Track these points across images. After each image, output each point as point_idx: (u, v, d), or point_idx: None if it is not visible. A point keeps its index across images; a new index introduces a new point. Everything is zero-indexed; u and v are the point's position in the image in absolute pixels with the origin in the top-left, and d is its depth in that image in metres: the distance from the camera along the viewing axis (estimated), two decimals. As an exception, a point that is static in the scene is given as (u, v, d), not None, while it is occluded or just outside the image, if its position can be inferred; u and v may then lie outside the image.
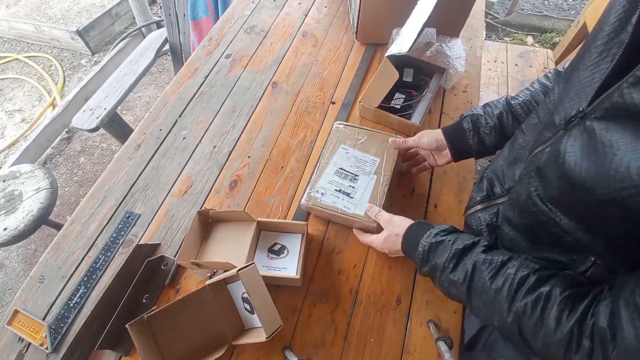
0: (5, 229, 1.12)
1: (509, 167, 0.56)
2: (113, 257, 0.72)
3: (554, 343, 0.39)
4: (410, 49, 0.74)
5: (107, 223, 0.76)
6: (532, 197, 0.45)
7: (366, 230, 0.70)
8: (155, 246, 0.72)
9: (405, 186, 0.80)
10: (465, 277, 0.48)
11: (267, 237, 0.71)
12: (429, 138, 0.71)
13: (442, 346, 0.59)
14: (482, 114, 0.68)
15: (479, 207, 0.61)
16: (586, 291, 0.40)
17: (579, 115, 0.39)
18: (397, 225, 0.62)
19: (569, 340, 0.37)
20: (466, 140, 0.68)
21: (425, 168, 0.78)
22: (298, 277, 0.63)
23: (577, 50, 1.47)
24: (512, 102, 0.66)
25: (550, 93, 0.53)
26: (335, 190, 0.71)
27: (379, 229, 0.66)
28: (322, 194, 0.70)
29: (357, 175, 0.72)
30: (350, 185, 0.71)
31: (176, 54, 1.54)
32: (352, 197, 0.70)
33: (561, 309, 0.39)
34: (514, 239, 0.52)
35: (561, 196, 0.40)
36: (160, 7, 2.16)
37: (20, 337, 0.65)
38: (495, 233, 0.58)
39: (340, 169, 0.73)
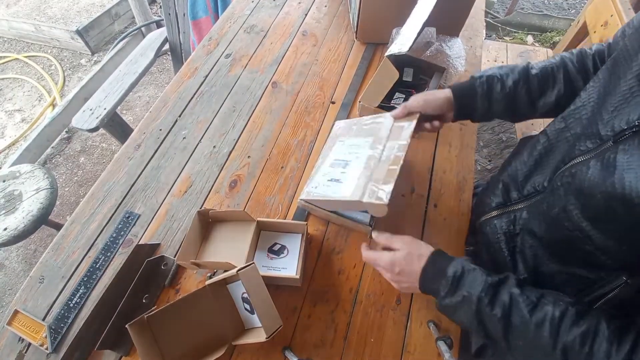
0: (5, 229, 1.12)
1: (528, 172, 0.54)
2: (113, 257, 0.72)
3: None
4: (410, 48, 0.74)
5: (107, 223, 0.76)
6: (567, 211, 0.42)
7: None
8: (155, 246, 0.72)
9: (405, 186, 0.80)
10: (503, 311, 0.44)
11: (267, 237, 0.71)
12: (436, 104, 0.62)
13: (442, 346, 0.59)
14: (498, 76, 0.61)
15: (494, 213, 0.59)
16: (629, 324, 0.39)
17: (634, 129, 0.37)
18: (422, 246, 0.54)
19: None
20: (475, 103, 0.62)
21: (426, 129, 0.68)
22: (298, 277, 0.63)
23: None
24: (531, 71, 0.60)
25: (580, 97, 0.50)
26: (327, 180, 0.66)
27: (376, 245, 0.60)
28: (315, 187, 0.67)
29: (350, 161, 0.66)
30: (341, 172, 0.65)
31: (176, 53, 1.54)
32: (340, 182, 0.63)
33: (610, 342, 0.37)
34: (536, 251, 0.50)
35: (609, 214, 0.38)
36: (160, 7, 2.16)
37: (20, 337, 0.65)
38: (514, 242, 0.55)
39: (335, 160, 0.69)
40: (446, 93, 0.63)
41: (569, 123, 0.50)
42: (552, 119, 0.56)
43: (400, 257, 0.53)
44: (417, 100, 0.62)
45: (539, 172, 0.52)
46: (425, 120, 0.65)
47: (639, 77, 0.39)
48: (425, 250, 0.53)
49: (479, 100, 0.61)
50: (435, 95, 0.63)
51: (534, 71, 0.60)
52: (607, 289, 0.42)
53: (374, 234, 0.59)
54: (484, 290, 0.45)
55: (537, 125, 1.38)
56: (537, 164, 0.53)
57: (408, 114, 0.63)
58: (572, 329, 0.40)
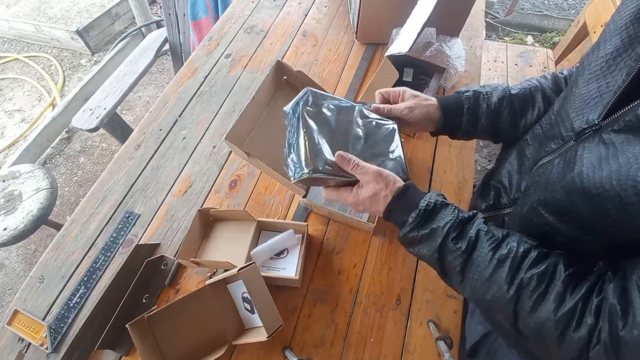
0: (5, 229, 1.12)
1: (517, 178, 0.56)
2: (113, 257, 0.72)
3: (552, 320, 0.38)
4: (410, 48, 0.74)
5: (107, 223, 0.76)
6: (534, 208, 0.45)
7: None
8: (155, 246, 0.72)
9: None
10: (467, 246, 0.44)
11: (267, 237, 0.71)
12: (422, 114, 0.60)
13: (442, 346, 0.59)
14: (484, 93, 0.62)
15: (484, 215, 0.60)
16: (588, 269, 0.40)
17: (593, 128, 0.40)
18: (390, 183, 0.51)
19: (570, 317, 0.37)
20: (460, 118, 0.62)
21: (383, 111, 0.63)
22: (297, 278, 0.63)
23: (577, 50, 1.46)
24: (512, 91, 0.62)
25: (552, 104, 0.53)
26: None
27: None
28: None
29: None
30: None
31: (176, 53, 1.54)
32: None
33: (566, 285, 0.38)
34: None
35: (570, 207, 0.39)
36: (160, 7, 2.16)
37: (20, 337, 0.65)
38: None
39: None
40: (433, 104, 0.61)
41: (543, 127, 0.54)
42: (533, 127, 0.58)
43: (364, 197, 0.51)
44: (403, 105, 0.61)
45: (523, 176, 0.55)
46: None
47: (598, 81, 0.42)
48: (391, 187, 0.50)
49: (465, 114, 0.61)
50: (421, 105, 0.61)
51: (513, 91, 0.62)
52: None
53: (337, 156, 0.51)
54: (453, 226, 0.46)
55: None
56: (526, 170, 0.55)
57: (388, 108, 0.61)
58: (532, 268, 0.40)
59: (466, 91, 0.62)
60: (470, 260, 0.44)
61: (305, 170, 0.49)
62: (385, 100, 0.63)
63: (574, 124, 0.44)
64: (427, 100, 0.61)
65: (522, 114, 0.61)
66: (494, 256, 0.43)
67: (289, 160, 0.54)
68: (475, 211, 0.49)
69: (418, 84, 0.90)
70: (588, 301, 0.36)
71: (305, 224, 0.68)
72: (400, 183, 0.51)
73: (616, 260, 0.39)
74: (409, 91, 0.62)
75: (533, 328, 0.40)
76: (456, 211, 0.47)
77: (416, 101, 0.61)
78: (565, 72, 0.63)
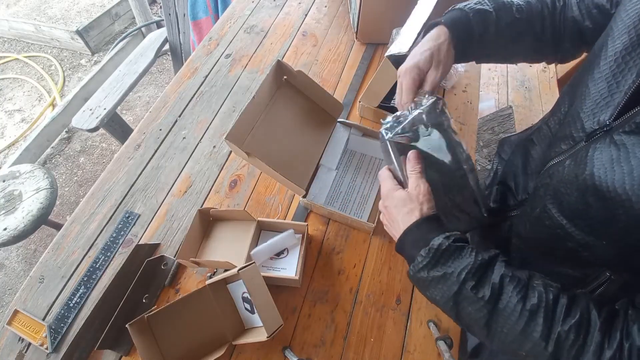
0: (5, 229, 1.12)
1: (523, 179, 0.55)
2: (113, 257, 0.72)
3: None
4: (410, 48, 0.74)
5: (107, 223, 0.76)
6: (547, 210, 0.44)
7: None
8: (155, 246, 0.72)
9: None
10: (492, 295, 0.40)
11: (267, 237, 0.71)
12: (440, 61, 0.54)
13: (442, 346, 0.59)
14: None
15: (504, 259, 0.59)
16: (615, 311, 0.38)
17: (605, 128, 0.39)
18: (424, 204, 0.48)
19: None
20: (470, 28, 0.55)
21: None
22: (297, 278, 0.63)
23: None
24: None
25: (558, 104, 0.52)
26: None
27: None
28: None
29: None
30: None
31: (176, 53, 1.54)
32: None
33: (603, 334, 0.36)
34: (522, 252, 0.51)
35: (585, 209, 0.39)
36: (160, 7, 2.16)
37: (20, 337, 0.65)
38: (505, 245, 0.56)
39: None
40: (441, 38, 0.55)
41: (551, 127, 0.53)
42: (539, 127, 0.57)
43: (396, 196, 0.49)
44: (432, 77, 0.55)
45: (532, 178, 0.54)
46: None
47: (608, 81, 0.41)
48: (419, 211, 0.47)
49: (472, 20, 0.55)
50: (420, 54, 0.55)
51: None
52: (593, 286, 0.42)
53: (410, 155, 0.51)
54: (471, 272, 0.41)
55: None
56: (533, 171, 0.54)
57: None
58: (566, 319, 0.37)
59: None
60: (496, 311, 0.40)
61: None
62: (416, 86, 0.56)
63: (584, 124, 0.43)
64: (435, 42, 0.55)
65: (537, 129, 0.57)
66: (525, 307, 0.38)
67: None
68: (496, 251, 0.44)
69: (418, 84, 0.90)
70: (622, 348, 0.35)
71: (305, 224, 0.68)
72: (429, 212, 0.48)
73: (630, 270, 0.38)
74: (420, 63, 0.55)
75: None
76: (474, 254, 0.42)
77: (410, 64, 0.55)
78: None
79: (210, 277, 0.64)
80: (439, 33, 0.55)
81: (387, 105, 0.86)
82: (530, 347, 0.38)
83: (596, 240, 0.39)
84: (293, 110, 0.74)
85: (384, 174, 0.54)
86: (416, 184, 0.49)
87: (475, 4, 0.56)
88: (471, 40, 0.56)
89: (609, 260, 0.39)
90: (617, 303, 0.39)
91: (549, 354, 0.37)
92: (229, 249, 0.70)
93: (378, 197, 0.73)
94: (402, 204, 0.49)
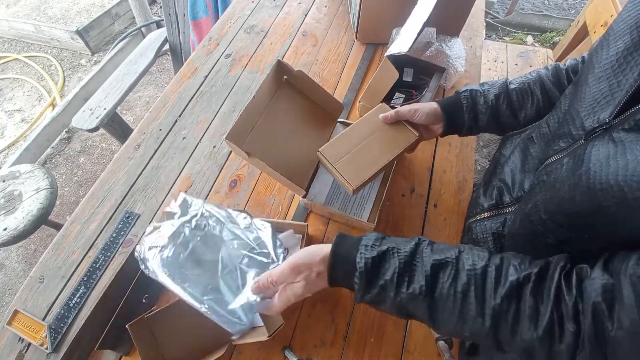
0: (5, 229, 1.12)
1: (520, 176, 0.56)
2: (113, 257, 0.72)
3: (535, 339, 0.36)
4: (410, 48, 0.74)
5: (107, 223, 0.76)
6: (537, 206, 0.44)
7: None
8: (155, 246, 0.72)
9: (405, 186, 0.80)
10: (426, 285, 0.40)
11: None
12: (426, 113, 0.64)
13: (442, 346, 0.59)
14: (480, 91, 0.65)
15: (486, 214, 0.60)
16: (544, 269, 0.38)
17: (604, 126, 0.40)
18: (315, 257, 0.46)
19: (551, 330, 0.35)
20: (461, 116, 0.65)
21: (423, 138, 0.69)
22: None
23: (577, 50, 1.46)
24: (510, 86, 0.64)
25: (560, 101, 0.53)
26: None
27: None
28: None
29: None
30: None
31: (176, 53, 1.54)
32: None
33: (534, 295, 0.36)
34: (516, 249, 0.51)
35: (571, 204, 0.39)
36: (160, 7, 2.16)
37: (20, 337, 0.65)
38: (501, 242, 0.56)
39: None
40: (434, 105, 0.66)
41: (550, 126, 0.53)
42: (539, 125, 0.58)
43: (298, 292, 0.46)
44: (408, 107, 0.66)
45: (529, 176, 0.54)
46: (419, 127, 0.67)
47: (609, 80, 0.41)
48: (316, 266, 0.45)
49: (465, 113, 0.65)
50: (423, 106, 0.65)
51: (512, 86, 0.64)
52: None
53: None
54: (400, 272, 0.41)
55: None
56: (531, 169, 0.55)
57: (398, 120, 0.67)
58: (496, 291, 0.38)
59: (464, 91, 0.66)
60: (433, 301, 0.40)
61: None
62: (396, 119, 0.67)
63: (584, 122, 0.43)
64: (428, 103, 0.66)
65: (520, 106, 0.63)
66: (457, 290, 0.39)
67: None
68: (416, 238, 0.44)
69: (418, 84, 0.90)
70: (560, 306, 0.35)
71: (305, 224, 0.68)
72: (325, 252, 0.46)
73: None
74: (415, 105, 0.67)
75: (521, 348, 0.38)
76: (396, 254, 0.42)
77: (419, 105, 0.65)
78: (568, 64, 0.63)
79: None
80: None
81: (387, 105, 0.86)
82: (471, 325, 0.39)
83: (578, 235, 0.39)
84: (293, 110, 0.74)
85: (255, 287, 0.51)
86: (279, 273, 0.48)
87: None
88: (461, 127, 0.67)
89: (591, 254, 0.39)
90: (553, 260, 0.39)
91: (487, 328, 0.38)
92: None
93: (378, 197, 0.73)
94: (314, 278, 0.46)
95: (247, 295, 0.51)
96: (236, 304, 0.51)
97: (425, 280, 0.40)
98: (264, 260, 0.54)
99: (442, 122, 0.65)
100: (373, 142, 0.65)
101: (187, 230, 0.56)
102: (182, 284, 0.51)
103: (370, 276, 0.42)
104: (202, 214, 0.58)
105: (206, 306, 0.50)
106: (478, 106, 0.65)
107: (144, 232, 0.58)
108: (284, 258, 0.54)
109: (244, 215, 0.59)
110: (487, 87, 0.66)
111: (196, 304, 0.51)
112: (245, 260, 0.55)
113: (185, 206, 0.59)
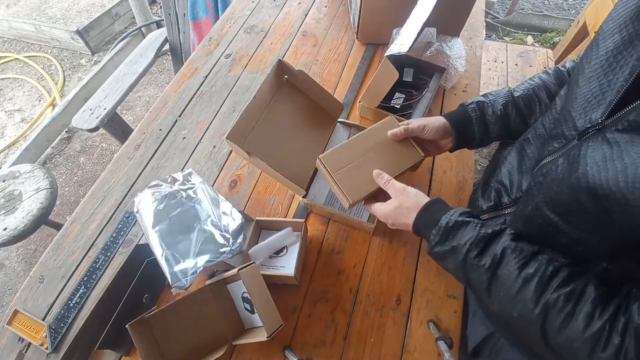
0: (5, 229, 1.12)
1: (518, 177, 0.56)
2: (113, 257, 0.72)
3: (581, 340, 0.37)
4: (410, 48, 0.74)
5: (107, 223, 0.76)
6: (539, 208, 0.44)
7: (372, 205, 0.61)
8: (155, 246, 0.72)
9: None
10: (492, 263, 0.45)
11: (267, 236, 0.71)
12: (436, 128, 0.64)
13: (442, 346, 0.59)
14: (487, 102, 0.64)
15: (485, 216, 0.60)
16: (617, 290, 0.39)
17: (597, 127, 0.40)
18: (412, 197, 0.55)
19: (599, 337, 0.36)
20: (471, 129, 0.64)
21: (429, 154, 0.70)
22: (293, 275, 0.62)
23: (577, 50, 1.46)
24: (515, 93, 0.64)
25: (555, 102, 0.53)
26: None
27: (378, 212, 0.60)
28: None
29: None
30: None
31: (176, 53, 1.54)
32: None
33: (595, 305, 0.38)
34: None
35: (578, 208, 0.39)
36: (160, 7, 2.16)
37: (20, 337, 0.65)
38: None
39: None
40: (442, 120, 0.65)
41: (545, 126, 0.54)
42: (535, 126, 0.58)
43: (393, 208, 0.56)
44: (417, 122, 0.64)
45: (526, 177, 0.55)
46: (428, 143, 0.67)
47: (600, 79, 0.42)
48: (413, 202, 0.55)
49: (475, 126, 0.64)
50: (432, 121, 0.64)
51: (517, 93, 0.64)
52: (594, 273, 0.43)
53: (375, 173, 0.60)
54: (474, 242, 0.47)
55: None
56: (527, 170, 0.55)
57: (407, 136, 0.65)
58: (559, 288, 0.40)
59: (470, 103, 0.65)
60: (495, 277, 0.45)
61: None
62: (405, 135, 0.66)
63: (576, 123, 0.43)
64: (436, 118, 0.65)
65: (530, 113, 0.63)
66: (520, 275, 0.43)
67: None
68: (504, 226, 0.48)
69: (418, 84, 0.90)
70: (615, 321, 0.36)
71: (303, 220, 0.68)
72: (425, 199, 0.55)
73: (626, 261, 0.39)
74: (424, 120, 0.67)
75: (562, 345, 0.39)
76: (478, 227, 0.48)
77: (427, 120, 0.65)
78: (567, 65, 0.63)
79: (211, 277, 0.64)
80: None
81: (387, 105, 0.86)
82: (521, 308, 0.42)
83: (590, 236, 0.40)
84: (293, 109, 0.74)
85: (369, 207, 0.61)
86: (392, 185, 0.57)
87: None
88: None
89: (604, 253, 0.40)
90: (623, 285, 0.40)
91: (535, 315, 0.41)
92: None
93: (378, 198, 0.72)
94: (397, 209, 0.56)
95: (196, 261, 0.60)
96: (186, 264, 0.59)
97: (493, 258, 0.45)
98: (221, 241, 0.62)
99: (451, 136, 0.64)
100: (376, 157, 0.62)
101: (182, 194, 0.68)
102: (159, 232, 0.62)
103: (447, 234, 0.49)
104: (195, 190, 0.69)
105: (164, 256, 0.60)
106: (487, 117, 0.64)
107: (148, 185, 0.69)
108: (239, 246, 0.62)
109: (228, 203, 0.67)
110: (492, 97, 0.65)
111: (159, 250, 0.60)
112: (207, 234, 0.63)
113: (187, 178, 0.70)
